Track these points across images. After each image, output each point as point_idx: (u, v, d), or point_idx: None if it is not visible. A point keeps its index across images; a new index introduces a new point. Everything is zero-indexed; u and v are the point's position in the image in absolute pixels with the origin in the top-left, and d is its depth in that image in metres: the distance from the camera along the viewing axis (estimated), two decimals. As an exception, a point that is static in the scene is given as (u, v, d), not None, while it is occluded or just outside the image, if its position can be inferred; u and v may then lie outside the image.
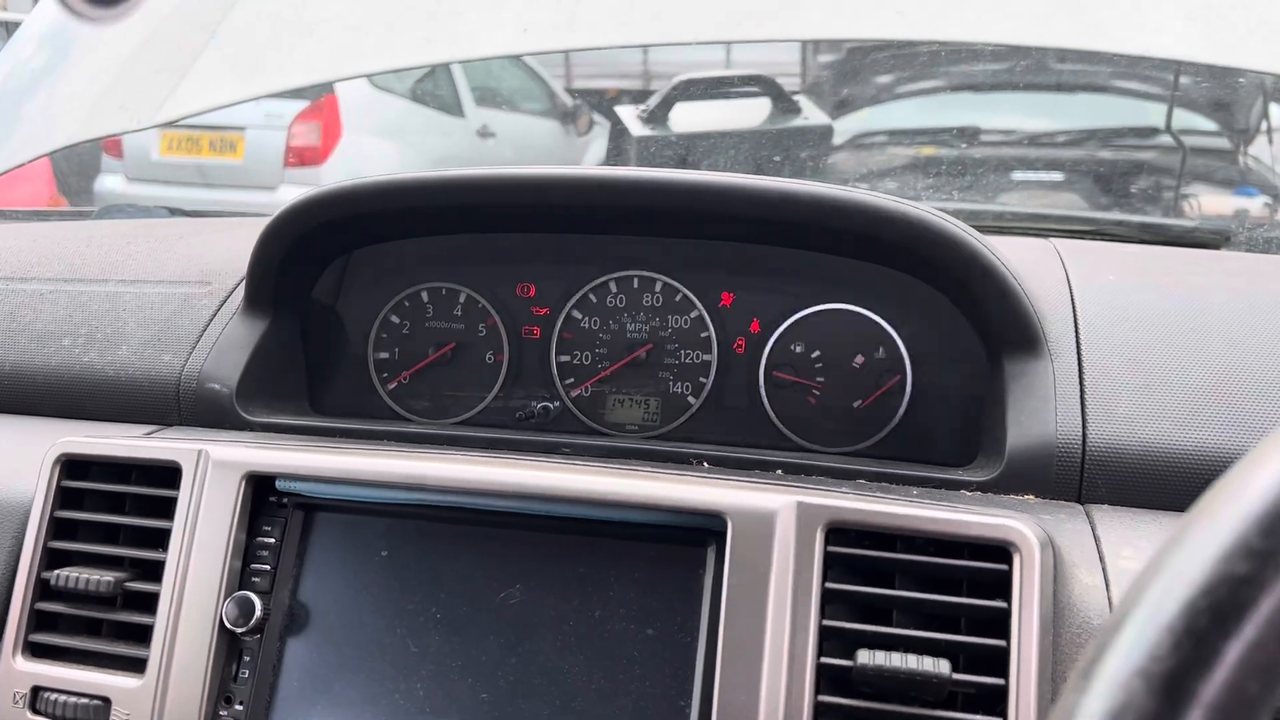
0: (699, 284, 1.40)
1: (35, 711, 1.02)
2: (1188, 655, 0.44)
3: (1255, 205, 2.92)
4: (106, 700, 1.01)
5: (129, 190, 5.61)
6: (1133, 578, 0.89)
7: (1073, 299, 1.18)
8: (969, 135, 3.22)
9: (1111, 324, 1.14)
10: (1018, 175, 2.90)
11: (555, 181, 1.20)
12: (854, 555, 0.91)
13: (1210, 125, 3.13)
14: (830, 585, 0.91)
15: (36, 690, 1.03)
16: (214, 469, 1.05)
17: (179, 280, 1.42)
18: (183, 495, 1.05)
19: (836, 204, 1.11)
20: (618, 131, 2.91)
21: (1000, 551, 0.89)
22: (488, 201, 1.23)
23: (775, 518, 0.92)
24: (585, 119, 6.29)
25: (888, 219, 1.10)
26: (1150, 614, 0.45)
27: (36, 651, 1.06)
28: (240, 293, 1.36)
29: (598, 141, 6.27)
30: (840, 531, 0.93)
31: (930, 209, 1.11)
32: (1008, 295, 1.11)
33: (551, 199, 1.20)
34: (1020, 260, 1.14)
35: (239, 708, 1.00)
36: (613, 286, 1.42)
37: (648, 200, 1.17)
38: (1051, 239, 1.43)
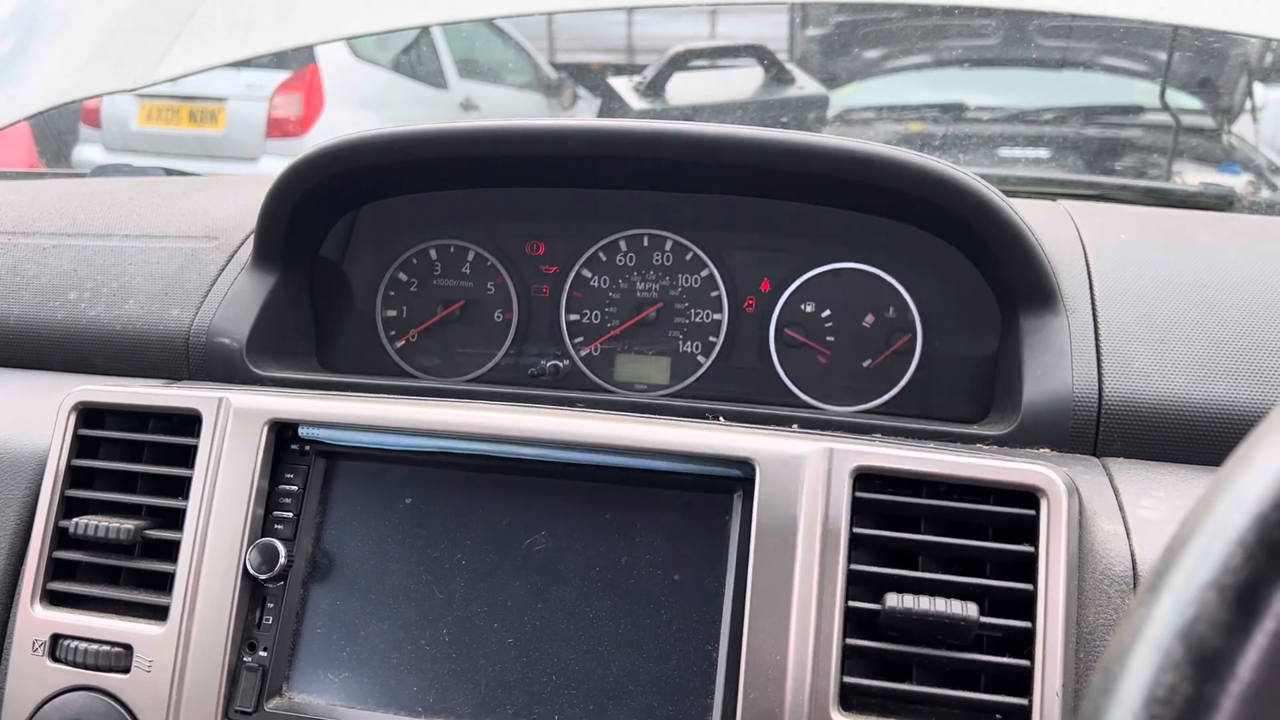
0: (709, 243, 1.40)
1: (55, 659, 1.02)
2: (1261, 567, 0.44)
3: (1240, 183, 2.95)
4: (128, 647, 1.00)
5: (107, 160, 5.53)
6: (1156, 525, 0.91)
7: (1086, 256, 1.19)
8: (957, 111, 3.23)
9: (1126, 281, 1.15)
10: (1005, 152, 2.91)
11: (575, 132, 1.19)
12: (881, 501, 0.92)
13: (1195, 104, 3.15)
14: (858, 530, 0.91)
15: (56, 638, 1.02)
16: (235, 416, 1.04)
17: (185, 235, 1.40)
18: (203, 443, 1.04)
19: (861, 157, 1.11)
20: (610, 104, 2.89)
21: (1027, 497, 0.90)
22: (506, 153, 1.22)
23: (804, 463, 0.92)
24: (569, 92, 6.25)
25: (910, 172, 1.11)
26: (1220, 528, 0.46)
27: (55, 600, 1.05)
28: (247, 248, 1.35)
29: (582, 115, 6.24)
30: (865, 478, 0.93)
31: (949, 164, 1.11)
32: (1025, 251, 1.12)
33: (571, 149, 1.19)
34: (1034, 219, 1.15)
35: (263, 654, 0.99)
36: (622, 245, 1.42)
37: (676, 152, 1.16)
38: (1060, 200, 1.44)
